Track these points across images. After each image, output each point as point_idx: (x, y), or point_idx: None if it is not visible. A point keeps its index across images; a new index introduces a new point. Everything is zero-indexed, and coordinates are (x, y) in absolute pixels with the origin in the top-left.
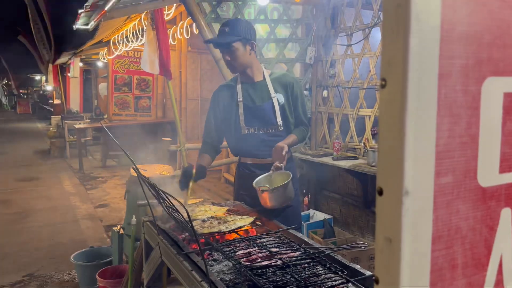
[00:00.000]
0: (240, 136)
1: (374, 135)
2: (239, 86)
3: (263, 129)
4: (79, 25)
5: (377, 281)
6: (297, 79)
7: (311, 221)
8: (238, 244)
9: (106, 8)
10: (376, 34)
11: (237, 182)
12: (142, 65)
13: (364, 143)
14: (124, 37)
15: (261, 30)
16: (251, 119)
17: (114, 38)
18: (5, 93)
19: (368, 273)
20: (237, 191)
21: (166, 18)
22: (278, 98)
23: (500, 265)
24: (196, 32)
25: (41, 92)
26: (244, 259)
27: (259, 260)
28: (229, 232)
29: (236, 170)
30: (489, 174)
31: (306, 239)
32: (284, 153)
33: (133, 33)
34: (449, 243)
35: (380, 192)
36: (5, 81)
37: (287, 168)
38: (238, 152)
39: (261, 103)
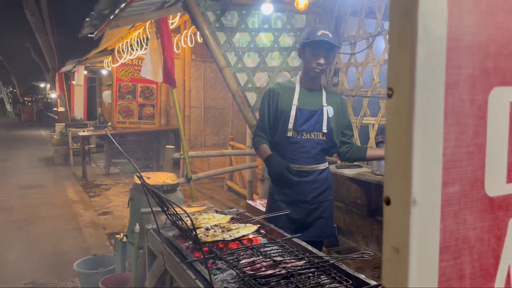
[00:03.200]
0: (284, 139)
1: (377, 144)
2: (297, 89)
3: (308, 134)
4: (84, 33)
5: None
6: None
7: None
8: (242, 253)
9: (111, 17)
10: (380, 43)
11: (273, 186)
12: (143, 73)
13: None
14: (129, 46)
15: (264, 39)
16: (299, 123)
17: (119, 46)
18: (10, 101)
19: (373, 282)
20: (272, 197)
21: (171, 27)
22: (328, 110)
23: (508, 276)
24: (200, 41)
25: (45, 99)
26: (248, 268)
27: (263, 269)
28: (233, 240)
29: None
30: (497, 184)
31: (310, 248)
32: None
33: (137, 41)
34: (456, 253)
35: (388, 202)
36: (10, 89)
37: (324, 176)
38: (279, 154)
39: (313, 109)
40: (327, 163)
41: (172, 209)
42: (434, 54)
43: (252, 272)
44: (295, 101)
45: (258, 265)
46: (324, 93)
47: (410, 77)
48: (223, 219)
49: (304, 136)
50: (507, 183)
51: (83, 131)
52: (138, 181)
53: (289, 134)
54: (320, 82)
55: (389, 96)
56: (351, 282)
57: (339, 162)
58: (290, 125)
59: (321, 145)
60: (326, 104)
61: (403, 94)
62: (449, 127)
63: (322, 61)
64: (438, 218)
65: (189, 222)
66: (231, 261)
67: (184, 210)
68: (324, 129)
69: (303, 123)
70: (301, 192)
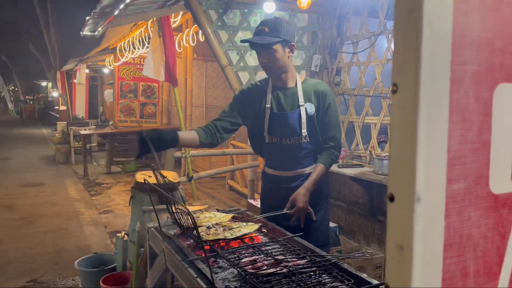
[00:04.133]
0: (264, 145)
1: (379, 143)
2: (269, 90)
3: (286, 139)
4: (86, 31)
5: None
6: (331, 89)
7: None
8: (243, 251)
9: (113, 15)
10: (382, 42)
11: (261, 195)
12: (145, 71)
13: (370, 151)
14: (131, 44)
15: None
16: (275, 127)
17: (121, 45)
18: (12, 99)
19: (374, 281)
20: (262, 206)
21: (173, 26)
22: (306, 107)
23: None
24: (202, 40)
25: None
26: (250, 266)
27: (265, 267)
28: (234, 239)
29: (261, 181)
30: (501, 181)
31: (312, 247)
32: (303, 204)
33: (139, 40)
34: (461, 251)
35: (392, 199)
36: (11, 87)
37: (317, 190)
38: (265, 160)
39: (287, 111)
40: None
41: (177, 207)
42: (439, 50)
43: (253, 271)
44: (267, 103)
45: (259, 264)
46: (300, 89)
47: (415, 73)
48: (224, 217)
49: (284, 142)
50: (511, 180)
51: (85, 129)
52: (140, 180)
53: (268, 140)
54: (295, 77)
55: (394, 92)
56: (352, 281)
57: (340, 161)
58: (266, 131)
59: (306, 149)
60: (303, 103)
61: (407, 90)
62: (454, 124)
63: (265, 60)
64: (442, 215)
65: (191, 221)
66: (232, 259)
67: (186, 208)
68: (304, 132)
69: (278, 127)
70: (287, 200)
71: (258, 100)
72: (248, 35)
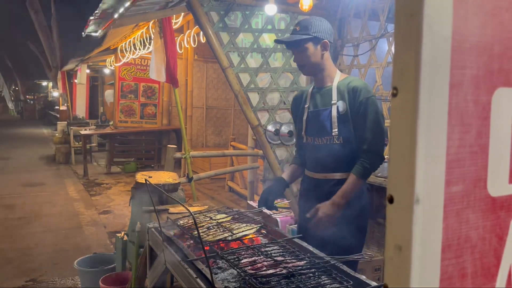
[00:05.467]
0: (302, 145)
1: None
2: (309, 92)
3: (318, 138)
4: (88, 32)
5: None
6: (367, 86)
7: None
8: (243, 252)
9: (115, 16)
10: (383, 45)
11: (299, 199)
12: (150, 73)
13: None
14: (132, 45)
15: (268, 39)
16: (310, 127)
17: (122, 45)
18: (12, 99)
19: (373, 283)
20: (299, 211)
21: (174, 27)
22: (338, 106)
23: (509, 276)
24: (203, 41)
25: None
26: (249, 267)
27: (264, 268)
28: (234, 240)
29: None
30: (499, 184)
31: (311, 249)
32: (323, 216)
33: (140, 41)
34: (458, 252)
35: (391, 200)
36: (12, 87)
37: (352, 206)
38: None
39: (320, 109)
40: (364, 182)
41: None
42: (439, 55)
43: (253, 272)
44: (306, 103)
45: (259, 265)
46: (334, 87)
47: (415, 76)
48: (224, 219)
49: (317, 142)
50: (509, 183)
51: (85, 129)
52: (140, 180)
53: (304, 140)
54: (333, 76)
55: (394, 95)
56: (351, 282)
57: None
58: (303, 131)
59: (338, 151)
60: (335, 101)
61: (407, 94)
62: (453, 127)
63: (296, 58)
64: (440, 217)
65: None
66: (232, 260)
67: (187, 209)
68: (334, 131)
69: (312, 126)
70: (316, 203)
71: (302, 103)
72: (250, 37)
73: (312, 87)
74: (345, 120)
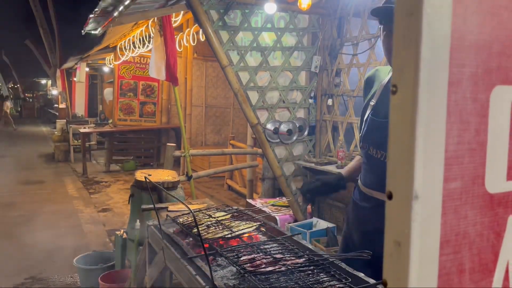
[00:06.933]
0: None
1: None
2: (384, 82)
3: (376, 150)
4: (87, 30)
5: (385, 284)
6: None
7: (314, 229)
8: (242, 250)
9: (115, 14)
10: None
11: (346, 211)
12: (150, 71)
13: None
14: (131, 43)
15: (267, 38)
16: (370, 132)
17: (121, 44)
18: (11, 97)
19: (372, 281)
20: (345, 224)
21: (174, 25)
22: None
23: (507, 272)
24: (202, 39)
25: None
26: (248, 264)
27: (263, 266)
28: (234, 237)
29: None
30: (497, 181)
31: (310, 246)
32: None
33: (140, 39)
34: (457, 248)
35: (390, 196)
36: (11, 85)
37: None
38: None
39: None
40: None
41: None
42: (438, 53)
43: (252, 269)
44: (373, 99)
45: (258, 262)
46: None
47: (414, 74)
48: (223, 216)
49: (370, 152)
50: (507, 180)
51: (84, 128)
52: (140, 178)
53: (360, 145)
54: None
55: (393, 93)
56: (350, 280)
57: (339, 162)
58: (361, 134)
59: None
60: None
61: (407, 91)
62: (451, 124)
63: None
64: (439, 213)
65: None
66: (231, 257)
67: (187, 207)
68: None
69: (372, 133)
70: (362, 220)
71: (370, 90)
72: (249, 35)
73: (387, 77)
74: None
